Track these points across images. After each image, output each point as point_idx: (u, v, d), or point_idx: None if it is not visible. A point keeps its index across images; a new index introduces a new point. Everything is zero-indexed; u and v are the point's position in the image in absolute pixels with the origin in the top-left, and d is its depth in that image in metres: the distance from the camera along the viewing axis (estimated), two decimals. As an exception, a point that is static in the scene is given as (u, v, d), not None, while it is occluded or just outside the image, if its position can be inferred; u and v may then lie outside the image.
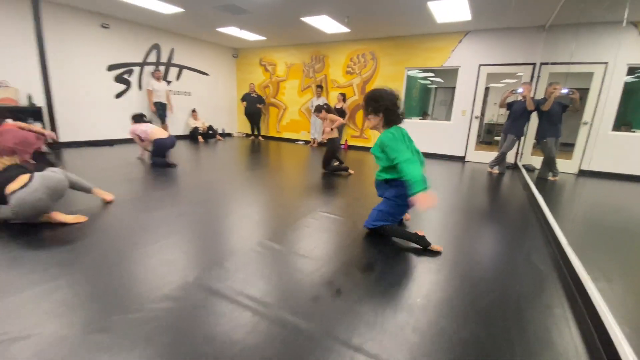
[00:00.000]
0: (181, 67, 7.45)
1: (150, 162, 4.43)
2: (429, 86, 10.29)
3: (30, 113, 5.03)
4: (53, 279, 1.56)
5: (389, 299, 1.53)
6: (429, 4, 4.51)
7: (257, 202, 3.04)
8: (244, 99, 8.37)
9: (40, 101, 5.08)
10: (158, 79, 6.71)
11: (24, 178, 2.05)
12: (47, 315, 1.30)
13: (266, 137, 8.86)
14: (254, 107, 8.32)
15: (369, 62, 6.92)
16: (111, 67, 6.12)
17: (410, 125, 6.80)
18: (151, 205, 2.76)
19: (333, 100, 7.43)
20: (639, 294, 1.83)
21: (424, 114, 9.08)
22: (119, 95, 6.34)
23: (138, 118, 4.59)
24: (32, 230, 2.09)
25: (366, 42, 6.83)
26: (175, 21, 6.09)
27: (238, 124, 9.41)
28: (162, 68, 7.00)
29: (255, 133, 8.68)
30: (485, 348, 1.23)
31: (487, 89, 6.60)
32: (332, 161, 4.58)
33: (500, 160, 5.03)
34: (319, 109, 4.57)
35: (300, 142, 8.27)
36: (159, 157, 4.39)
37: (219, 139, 8.13)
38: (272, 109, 8.67)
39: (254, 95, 8.28)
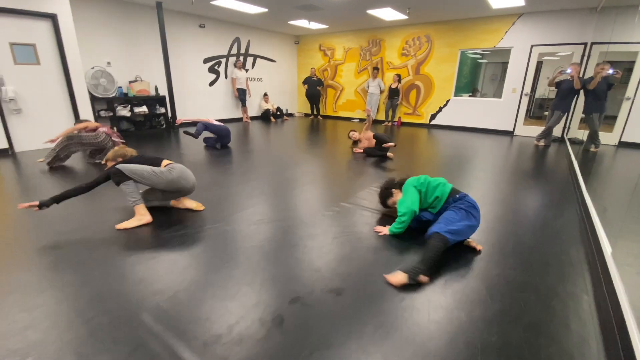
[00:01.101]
0: (255, 57, 8.64)
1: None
2: (480, 60, 10.50)
3: (157, 101, 6.53)
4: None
5: (459, 215, 2.55)
6: (486, -5, 5.11)
7: (339, 167, 4.14)
8: (305, 82, 9.42)
9: (163, 91, 6.56)
10: (239, 68, 7.96)
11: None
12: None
13: (324, 116, 9.91)
14: (315, 89, 9.35)
15: (423, 44, 7.55)
16: (206, 60, 7.46)
17: (460, 103, 7.47)
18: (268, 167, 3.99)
19: (388, 80, 8.20)
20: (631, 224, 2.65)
21: (473, 91, 9.48)
22: (211, 84, 7.71)
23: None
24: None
25: (422, 26, 7.44)
26: (256, 18, 7.18)
27: (298, 105, 10.54)
28: (241, 58, 8.23)
29: (315, 113, 9.75)
30: (524, 259, 2.23)
31: (539, 63, 6.88)
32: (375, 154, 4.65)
33: (546, 134, 5.63)
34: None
35: (355, 120, 9.22)
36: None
37: (286, 119, 9.34)
38: (330, 90, 9.64)
39: (314, 78, 9.27)
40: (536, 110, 9.45)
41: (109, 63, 5.84)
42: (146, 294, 1.56)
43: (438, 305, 1.52)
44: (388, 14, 6.49)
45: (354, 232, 2.26)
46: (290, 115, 10.25)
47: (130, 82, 6.17)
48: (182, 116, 6.88)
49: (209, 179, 3.47)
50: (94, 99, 5.54)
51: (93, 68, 5.52)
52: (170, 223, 2.35)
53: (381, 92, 8.35)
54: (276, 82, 9.50)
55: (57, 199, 2.12)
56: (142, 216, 2.31)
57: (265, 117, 8.95)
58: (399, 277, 1.65)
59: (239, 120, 8.49)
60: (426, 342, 1.30)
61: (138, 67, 6.30)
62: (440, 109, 7.71)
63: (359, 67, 8.82)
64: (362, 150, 4.78)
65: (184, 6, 6.23)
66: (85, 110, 5.13)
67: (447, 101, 7.58)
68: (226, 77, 7.99)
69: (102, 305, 1.48)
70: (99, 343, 1.26)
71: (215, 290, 1.60)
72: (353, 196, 2.97)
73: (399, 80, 7.92)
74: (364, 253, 1.98)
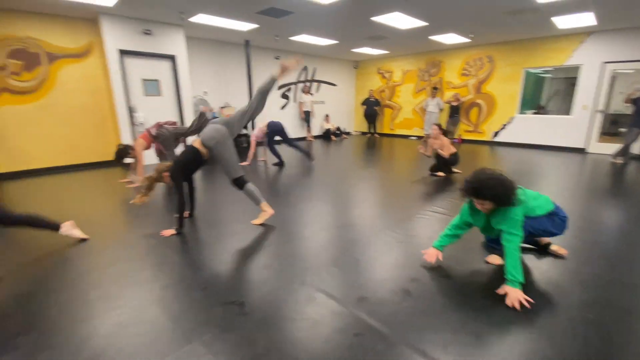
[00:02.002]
0: (319, 82, 9.48)
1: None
2: (542, 75, 10.23)
3: (240, 123, 7.53)
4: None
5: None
6: (553, 18, 5.28)
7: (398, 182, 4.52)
8: (364, 103, 10.02)
9: (245, 115, 7.56)
10: (306, 93, 8.81)
11: None
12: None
13: (380, 134, 10.36)
14: (372, 110, 9.90)
15: (485, 64, 7.74)
16: (279, 87, 8.42)
17: (526, 120, 7.45)
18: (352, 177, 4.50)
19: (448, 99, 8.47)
20: None
21: (538, 107, 9.27)
22: (282, 108, 8.64)
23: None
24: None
25: (483, 47, 7.67)
26: (324, 49, 8.00)
27: (355, 124, 11.15)
28: (308, 84, 9.11)
29: (372, 131, 10.26)
30: (608, 261, 2.44)
31: (613, 77, 6.66)
32: (441, 169, 4.65)
33: (624, 151, 5.47)
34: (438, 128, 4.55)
35: (412, 138, 9.52)
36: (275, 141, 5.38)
37: (345, 137, 9.96)
38: (387, 109, 10.11)
39: (372, 99, 9.85)
40: (610, 126, 8.95)
41: (205, 92, 6.96)
42: (304, 267, 2.11)
43: (538, 289, 1.85)
44: (450, 38, 6.87)
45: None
46: (348, 133, 10.87)
47: (221, 107, 7.25)
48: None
49: (307, 191, 4.07)
50: (193, 122, 6.62)
51: (195, 97, 6.64)
52: (294, 222, 2.94)
53: (440, 110, 8.60)
54: (336, 104, 10.24)
55: (180, 224, 2.65)
56: (266, 211, 2.91)
57: (327, 136, 9.66)
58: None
59: (303, 139, 9.28)
60: (531, 313, 1.64)
61: (227, 94, 7.39)
62: (504, 126, 7.74)
63: (417, 87, 9.21)
64: (429, 153, 4.61)
65: (266, 42, 7.24)
66: (190, 132, 6.17)
67: (511, 118, 7.60)
68: (294, 101, 8.89)
69: (275, 273, 2.05)
70: (280, 301, 1.82)
71: (353, 268, 2.10)
72: (434, 205, 3.34)
73: (458, 99, 8.14)
74: (457, 251, 2.35)
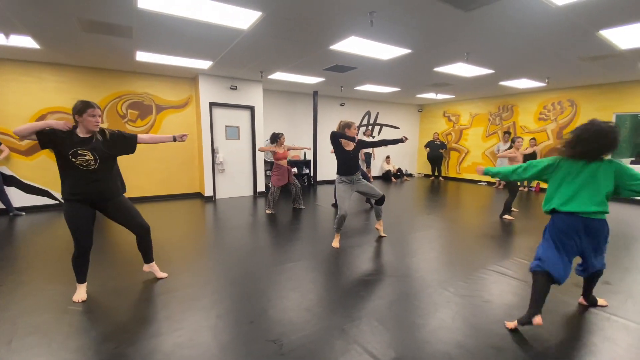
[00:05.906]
0: (381, 125, 9.73)
1: None
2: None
3: (304, 163, 8.09)
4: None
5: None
6: (648, 60, 4.73)
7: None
8: (427, 145, 9.86)
9: (309, 156, 8.10)
10: (367, 136, 9.07)
11: None
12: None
13: (445, 178, 9.94)
14: (437, 152, 9.65)
15: (566, 108, 7.11)
16: (342, 130, 8.87)
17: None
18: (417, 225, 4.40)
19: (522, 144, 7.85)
20: None
21: (637, 155, 7.99)
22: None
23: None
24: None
25: (563, 90, 7.11)
26: (387, 95, 8.30)
27: (417, 166, 10.93)
28: (370, 127, 9.41)
29: (436, 174, 9.92)
30: None
31: None
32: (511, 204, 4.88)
33: None
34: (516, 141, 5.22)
35: (482, 183, 8.92)
36: None
37: (406, 179, 9.81)
38: (453, 152, 9.75)
39: (437, 142, 9.65)
40: None
41: (275, 136, 7.71)
42: (345, 315, 2.16)
43: None
44: (523, 83, 6.56)
45: (501, 298, 2.43)
46: (410, 175, 10.68)
47: (288, 149, 7.89)
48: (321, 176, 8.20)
49: (357, 235, 4.14)
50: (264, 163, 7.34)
51: (267, 140, 7.41)
52: (341, 266, 3.03)
53: (513, 156, 7.98)
54: (399, 146, 10.26)
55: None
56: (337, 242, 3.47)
57: (386, 177, 9.64)
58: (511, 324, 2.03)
59: (364, 180, 9.41)
60: None
61: (295, 138, 8.06)
62: (592, 176, 6.80)
63: (487, 131, 8.79)
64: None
65: (332, 92, 7.86)
66: (260, 171, 6.86)
67: (602, 168, 6.66)
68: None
69: (316, 317, 2.14)
70: (317, 346, 1.88)
71: (395, 323, 2.08)
72: (496, 264, 3.09)
73: (535, 145, 7.50)
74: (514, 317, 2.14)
